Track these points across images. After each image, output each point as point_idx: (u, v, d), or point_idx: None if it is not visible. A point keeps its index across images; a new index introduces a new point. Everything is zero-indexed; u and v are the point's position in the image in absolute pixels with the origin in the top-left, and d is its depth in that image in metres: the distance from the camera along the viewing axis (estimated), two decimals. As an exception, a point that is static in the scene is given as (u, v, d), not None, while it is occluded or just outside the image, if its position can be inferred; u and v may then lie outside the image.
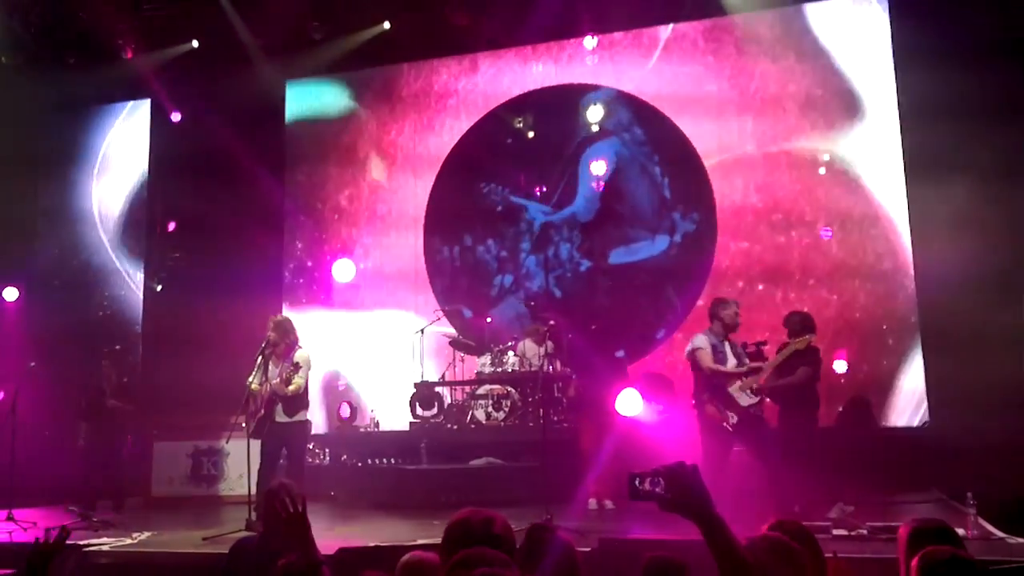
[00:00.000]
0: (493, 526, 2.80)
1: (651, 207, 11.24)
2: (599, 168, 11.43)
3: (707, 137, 11.01)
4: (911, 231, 9.95)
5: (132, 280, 12.70)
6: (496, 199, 11.97)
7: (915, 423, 9.61)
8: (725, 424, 7.15)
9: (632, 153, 11.36)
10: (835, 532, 6.29)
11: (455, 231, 12.18)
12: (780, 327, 7.99)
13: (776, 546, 2.93)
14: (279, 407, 7.95)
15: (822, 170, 10.50)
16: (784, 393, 7.59)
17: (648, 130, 11.33)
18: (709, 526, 2.31)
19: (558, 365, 10.32)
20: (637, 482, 2.40)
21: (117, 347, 10.91)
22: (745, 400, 7.16)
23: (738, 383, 7.19)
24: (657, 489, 2.37)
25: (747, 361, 7.36)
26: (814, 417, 7.76)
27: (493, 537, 2.75)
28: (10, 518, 8.38)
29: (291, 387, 7.86)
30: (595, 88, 11.59)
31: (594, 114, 11.52)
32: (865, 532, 6.31)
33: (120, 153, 13.06)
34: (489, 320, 11.43)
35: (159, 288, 12.65)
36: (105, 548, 7.25)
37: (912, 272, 9.90)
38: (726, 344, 7.40)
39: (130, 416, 9.81)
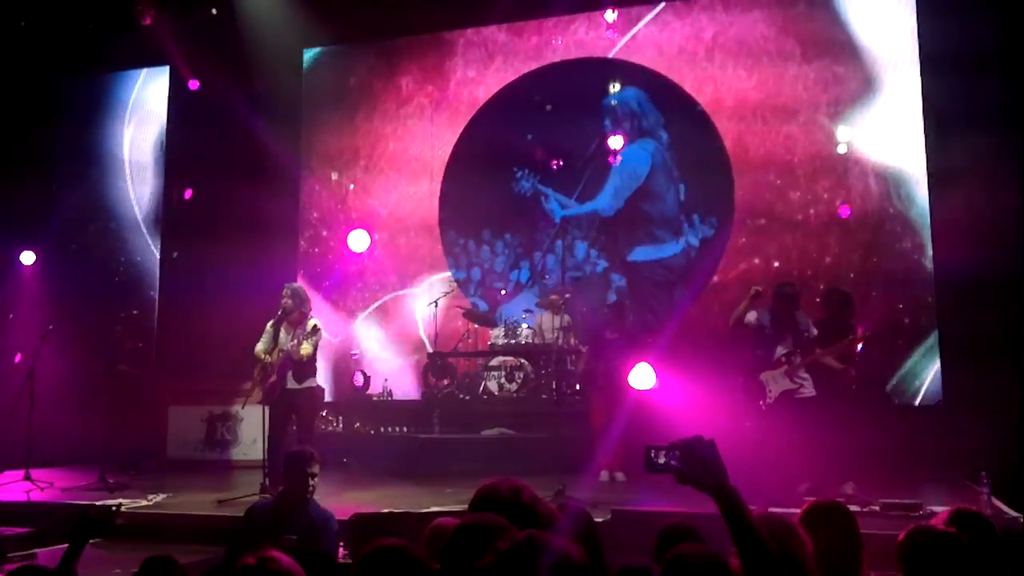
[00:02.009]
0: (521, 495, 2.81)
1: (675, 209, 11.15)
2: (635, 166, 11.33)
3: (725, 113, 10.93)
4: (931, 211, 9.87)
5: (153, 244, 12.73)
6: (527, 186, 11.81)
7: (930, 401, 9.58)
8: (761, 403, 7.31)
9: (663, 156, 11.26)
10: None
11: (474, 223, 12.09)
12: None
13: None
14: (290, 373, 8.00)
15: (842, 148, 10.40)
16: (823, 368, 7.62)
17: (672, 133, 11.21)
18: (725, 500, 2.31)
19: (572, 339, 10.35)
20: (653, 455, 2.41)
21: (135, 311, 10.97)
22: (783, 385, 7.30)
23: (782, 368, 7.33)
24: (673, 462, 2.37)
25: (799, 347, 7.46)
26: (848, 388, 7.80)
27: (521, 506, 2.76)
28: (27, 478, 8.48)
29: (303, 351, 7.89)
30: (620, 67, 11.47)
31: (619, 108, 11.40)
32: (877, 508, 6.32)
33: (139, 119, 13.07)
34: (503, 292, 11.44)
35: (175, 255, 12.66)
36: (121, 509, 7.34)
37: (931, 251, 9.84)
38: (784, 329, 7.49)
39: (139, 381, 9.77)
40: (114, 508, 3.83)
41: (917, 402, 9.64)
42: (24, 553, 6.34)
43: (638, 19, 11.48)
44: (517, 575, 1.99)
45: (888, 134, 10.22)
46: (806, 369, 7.39)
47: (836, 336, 7.53)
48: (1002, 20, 8.95)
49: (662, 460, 2.38)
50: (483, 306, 11.57)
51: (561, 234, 11.57)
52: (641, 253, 11.25)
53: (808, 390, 7.37)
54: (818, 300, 8.41)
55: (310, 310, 8.33)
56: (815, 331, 7.53)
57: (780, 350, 7.41)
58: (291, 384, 8.01)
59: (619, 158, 11.30)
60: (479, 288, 11.95)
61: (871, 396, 8.64)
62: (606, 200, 11.45)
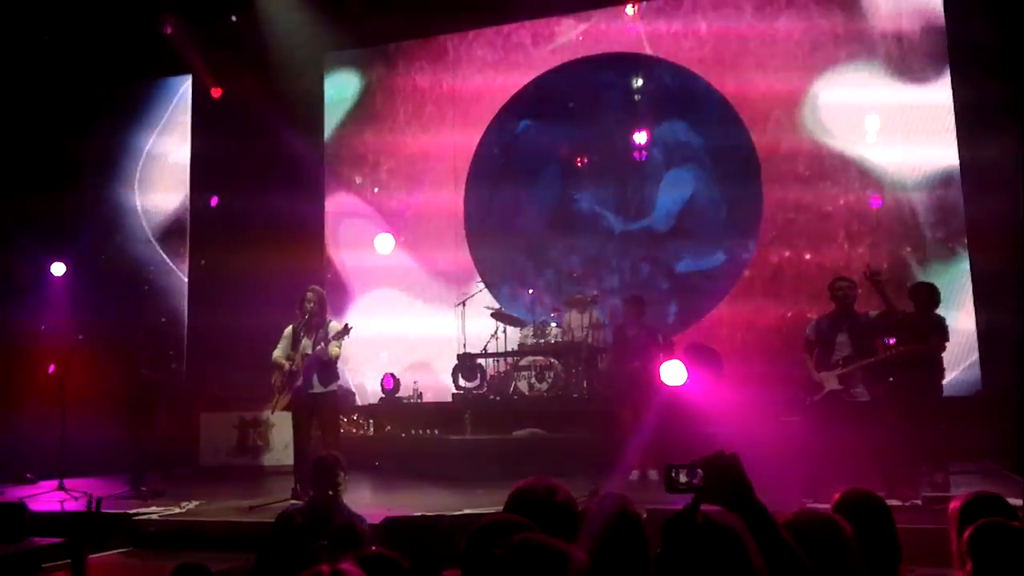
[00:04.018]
0: (556, 495, 2.77)
1: (717, 225, 11.05)
2: (681, 189, 11.29)
3: (754, 103, 10.83)
4: (964, 198, 9.71)
5: (182, 251, 12.78)
6: (586, 206, 11.72)
7: (968, 391, 9.40)
8: (807, 399, 7.19)
9: (705, 178, 11.14)
10: (889, 503, 6.16)
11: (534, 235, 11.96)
12: (825, 296, 7.81)
13: (820, 522, 2.88)
14: (315, 377, 7.97)
15: (871, 137, 10.26)
16: (913, 361, 7.48)
17: (716, 162, 11.09)
18: (752, 517, 2.23)
19: (602, 336, 10.26)
20: (674, 474, 2.33)
21: (163, 319, 10.97)
22: (832, 385, 7.12)
23: (836, 371, 7.14)
24: (695, 480, 2.29)
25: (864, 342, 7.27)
26: (938, 384, 7.64)
27: (556, 506, 2.72)
28: (61, 487, 8.52)
29: (332, 351, 7.90)
30: (646, 62, 11.39)
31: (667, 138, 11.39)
32: (920, 503, 6.20)
33: (168, 127, 13.13)
34: (531, 291, 11.36)
35: (203, 262, 12.70)
36: (154, 517, 7.35)
37: (966, 240, 9.68)
38: (841, 331, 7.27)
39: (161, 386, 9.51)
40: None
41: (953, 392, 9.45)
42: (58, 563, 6.35)
43: (660, 13, 11.40)
44: None
45: (920, 124, 10.06)
46: (863, 376, 7.19)
47: (927, 328, 7.39)
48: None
49: (683, 479, 2.30)
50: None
51: (623, 251, 11.47)
52: (684, 265, 11.17)
53: (858, 393, 7.17)
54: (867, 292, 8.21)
55: (328, 314, 8.33)
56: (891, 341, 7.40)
57: (839, 352, 7.21)
58: (316, 388, 7.97)
59: (665, 178, 11.30)
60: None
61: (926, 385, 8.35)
62: (660, 217, 11.36)
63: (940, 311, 7.60)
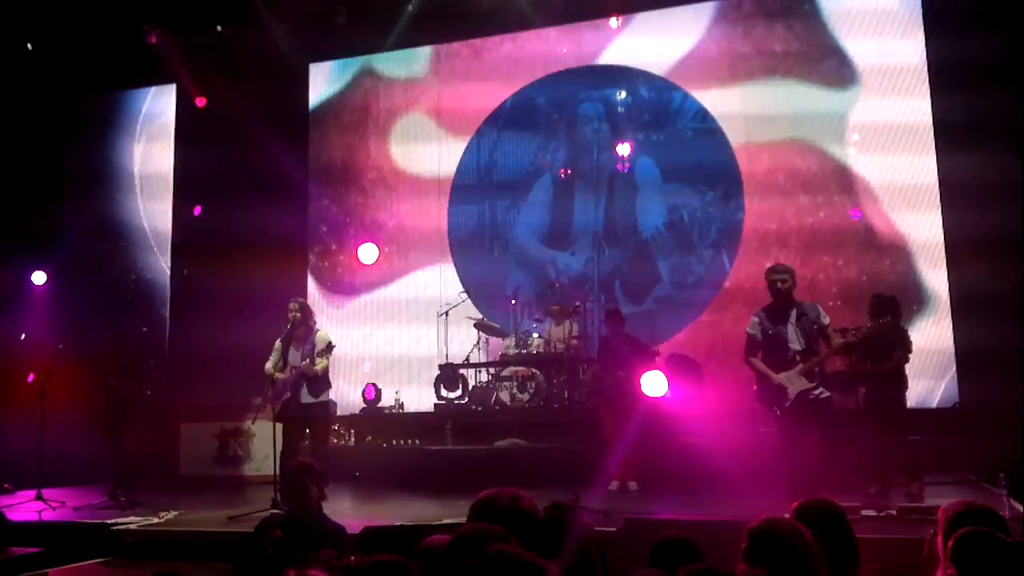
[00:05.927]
0: (519, 504, 2.79)
1: (696, 236, 11.10)
2: (661, 200, 11.31)
3: (734, 118, 10.91)
4: (942, 208, 9.81)
5: (163, 261, 12.72)
6: (566, 217, 11.75)
7: (946, 404, 9.48)
8: (776, 409, 6.78)
9: (688, 189, 11.14)
10: (864, 513, 6.22)
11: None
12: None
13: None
14: (304, 388, 7.99)
15: (851, 149, 10.36)
16: (878, 376, 7.43)
17: (697, 174, 11.09)
18: None
19: (583, 346, 10.28)
20: None
21: (144, 329, 10.91)
22: (799, 385, 6.72)
23: (796, 368, 6.72)
24: None
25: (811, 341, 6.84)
26: (903, 397, 7.60)
27: (519, 514, 2.74)
28: (39, 497, 8.47)
29: (318, 366, 7.92)
30: (626, 74, 11.48)
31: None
32: (894, 513, 6.24)
33: (148, 136, 13.11)
34: (513, 302, 11.37)
35: (186, 272, 12.66)
36: (132, 527, 7.32)
37: (944, 251, 9.76)
38: (788, 324, 6.85)
39: (131, 396, 9.32)
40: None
41: (933, 404, 9.54)
42: (35, 573, 6.31)
43: (643, 25, 11.48)
44: None
45: (900, 138, 10.16)
46: (819, 366, 6.79)
47: (888, 342, 7.35)
48: (1009, 32, 8.94)
49: None
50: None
51: (603, 261, 11.50)
52: (666, 276, 11.21)
53: (823, 391, 6.77)
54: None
55: (315, 324, 8.35)
56: (826, 320, 6.91)
57: (792, 347, 6.79)
58: (306, 398, 8.04)
59: (646, 189, 11.34)
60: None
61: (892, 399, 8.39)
62: (641, 229, 11.40)
63: (920, 324, 7.64)
